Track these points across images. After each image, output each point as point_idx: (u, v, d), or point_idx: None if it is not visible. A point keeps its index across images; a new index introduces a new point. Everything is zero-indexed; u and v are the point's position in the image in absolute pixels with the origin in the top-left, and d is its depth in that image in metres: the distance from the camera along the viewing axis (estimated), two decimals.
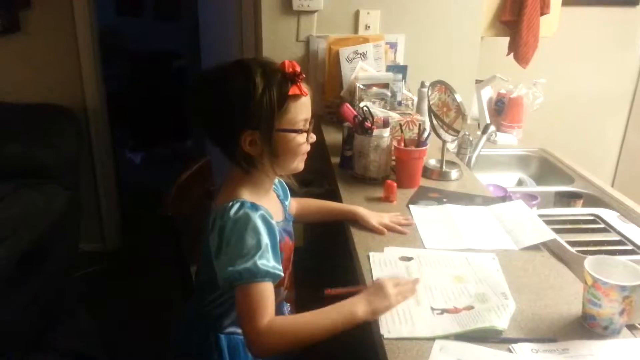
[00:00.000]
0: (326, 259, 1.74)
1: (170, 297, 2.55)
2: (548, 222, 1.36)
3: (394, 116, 1.79)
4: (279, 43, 2.24)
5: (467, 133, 1.97)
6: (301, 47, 2.26)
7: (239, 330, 1.16)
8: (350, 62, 2.18)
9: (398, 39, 2.28)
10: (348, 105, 1.82)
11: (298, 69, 1.09)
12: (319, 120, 2.25)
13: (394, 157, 1.67)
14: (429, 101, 1.76)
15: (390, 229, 1.36)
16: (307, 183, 2.02)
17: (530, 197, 1.70)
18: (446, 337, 0.96)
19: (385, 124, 1.66)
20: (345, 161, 1.77)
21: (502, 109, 2.40)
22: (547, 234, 1.30)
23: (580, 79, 2.91)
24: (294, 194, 1.40)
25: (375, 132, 1.62)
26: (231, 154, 1.12)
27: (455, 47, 2.33)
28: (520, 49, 2.40)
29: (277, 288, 1.09)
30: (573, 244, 1.31)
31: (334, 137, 2.02)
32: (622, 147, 3.12)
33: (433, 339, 0.96)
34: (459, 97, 1.64)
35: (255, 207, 1.08)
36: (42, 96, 2.82)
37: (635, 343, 0.96)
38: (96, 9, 2.93)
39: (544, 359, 0.91)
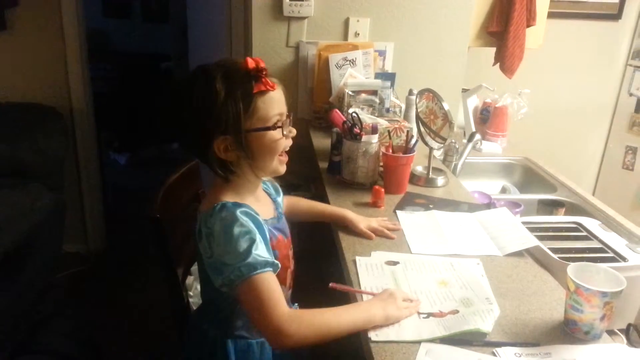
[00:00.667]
0: (313, 260, 1.74)
1: (155, 298, 2.57)
2: (531, 230, 1.39)
3: (383, 123, 1.81)
4: (268, 48, 2.25)
5: (453, 141, 2.00)
6: (291, 52, 2.28)
7: (247, 334, 1.17)
8: (340, 68, 2.20)
9: (387, 46, 2.31)
10: (337, 111, 1.83)
11: (262, 64, 1.05)
12: (307, 125, 2.26)
13: (381, 163, 1.69)
14: (416, 109, 1.79)
15: (379, 234, 1.37)
16: (294, 187, 2.02)
17: (514, 205, 1.73)
18: (432, 340, 0.98)
19: (374, 130, 1.67)
20: (333, 166, 1.78)
21: (487, 118, 2.44)
22: (531, 240, 1.32)
23: (563, 90, 2.97)
24: (285, 192, 1.39)
25: (364, 138, 1.64)
26: (208, 163, 1.10)
27: (443, 56, 2.37)
28: (506, 60, 2.45)
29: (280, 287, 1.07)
30: (556, 250, 1.34)
31: (322, 142, 2.04)
32: (604, 157, 3.19)
33: (419, 342, 0.97)
34: (446, 105, 1.66)
35: (237, 204, 1.07)
36: (28, 96, 2.80)
37: (615, 348, 0.98)
38: (84, 9, 2.91)
39: None
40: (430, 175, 1.75)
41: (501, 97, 2.38)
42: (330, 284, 1.15)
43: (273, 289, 1.00)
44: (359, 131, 1.66)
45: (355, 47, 2.23)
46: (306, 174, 2.05)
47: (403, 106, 2.10)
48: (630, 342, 1.07)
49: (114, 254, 3.26)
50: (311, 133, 2.17)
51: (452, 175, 1.91)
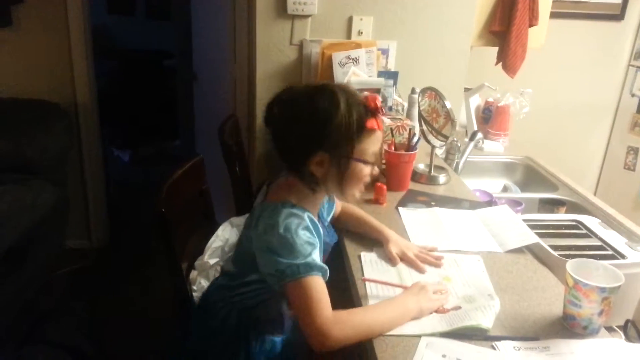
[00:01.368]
0: None
1: (158, 293, 2.58)
2: (532, 227, 1.40)
3: (385, 121, 1.82)
4: (272, 45, 2.27)
5: (455, 139, 2.01)
6: (295, 50, 2.29)
7: (268, 329, 1.20)
8: (343, 66, 2.21)
9: (390, 45, 2.32)
10: None
11: (380, 104, 1.12)
12: None
13: (384, 161, 1.70)
14: (419, 107, 1.80)
15: (409, 262, 1.27)
16: None
17: (515, 203, 1.74)
18: (433, 334, 0.99)
19: None
20: None
21: (489, 117, 2.45)
22: (531, 237, 1.34)
23: (565, 89, 2.98)
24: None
25: None
26: (298, 171, 1.13)
27: (445, 55, 2.38)
28: (508, 59, 2.46)
29: None
30: (556, 248, 1.35)
31: None
32: (605, 157, 3.20)
33: (420, 336, 0.99)
34: (448, 104, 1.68)
35: (303, 210, 1.11)
36: (33, 92, 2.81)
37: (613, 343, 1.00)
38: (89, 6, 2.93)
39: (526, 356, 0.94)
40: (432, 172, 1.77)
41: (503, 96, 2.39)
42: (362, 278, 1.18)
43: (322, 292, 1.03)
44: None
45: (358, 46, 2.24)
46: None
47: (405, 104, 2.12)
48: (629, 338, 1.09)
49: (117, 249, 3.28)
50: None
51: (454, 173, 1.92)
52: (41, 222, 2.41)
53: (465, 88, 2.44)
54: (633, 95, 2.99)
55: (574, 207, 1.86)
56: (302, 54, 2.29)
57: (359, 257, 1.27)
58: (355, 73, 2.18)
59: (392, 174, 1.68)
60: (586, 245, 1.43)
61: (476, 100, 2.47)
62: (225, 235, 1.61)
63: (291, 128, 1.11)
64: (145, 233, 3.27)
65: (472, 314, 1.04)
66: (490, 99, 2.46)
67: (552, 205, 1.84)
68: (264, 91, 2.26)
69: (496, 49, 2.52)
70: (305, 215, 1.09)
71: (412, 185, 1.71)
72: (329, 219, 1.34)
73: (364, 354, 1.00)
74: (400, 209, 1.54)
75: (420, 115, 1.79)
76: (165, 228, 1.33)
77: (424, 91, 1.78)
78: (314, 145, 1.09)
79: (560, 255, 1.30)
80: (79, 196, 3.10)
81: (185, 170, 1.52)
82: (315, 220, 1.13)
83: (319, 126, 1.07)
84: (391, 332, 1.00)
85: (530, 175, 2.23)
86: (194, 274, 1.56)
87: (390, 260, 1.27)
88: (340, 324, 1.00)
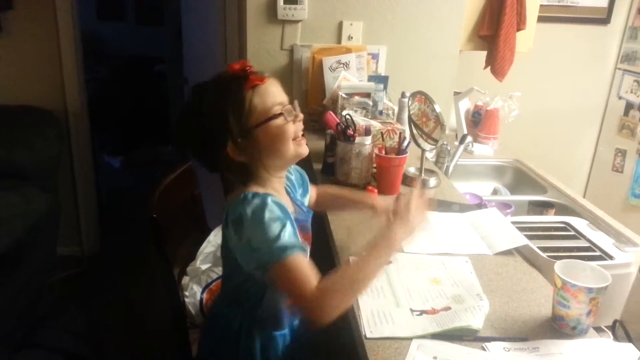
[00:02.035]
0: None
1: (150, 299, 2.57)
2: (521, 229, 1.42)
3: (376, 125, 1.84)
4: (263, 51, 2.28)
5: (445, 143, 2.03)
6: (285, 55, 2.30)
7: (272, 325, 1.20)
8: (333, 71, 2.23)
9: (380, 50, 2.34)
10: (331, 113, 1.86)
11: (246, 63, 1.10)
12: None
13: (375, 164, 1.72)
14: (409, 111, 1.82)
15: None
16: None
17: (504, 206, 1.76)
18: (424, 336, 1.00)
19: (367, 132, 1.70)
20: (327, 167, 1.81)
21: (478, 121, 2.47)
22: (520, 239, 1.35)
23: (554, 93, 3.01)
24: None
25: (357, 139, 1.67)
26: (229, 171, 1.14)
27: (434, 59, 2.40)
28: (497, 63, 2.49)
29: None
30: (544, 249, 1.37)
31: (316, 143, 2.05)
32: (594, 159, 3.24)
33: (411, 338, 1.00)
34: (438, 108, 1.69)
35: (266, 194, 1.09)
36: (23, 98, 2.80)
37: (601, 342, 1.01)
38: (79, 11, 2.92)
39: (516, 357, 0.95)
40: (423, 176, 1.78)
41: (492, 100, 2.41)
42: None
43: (304, 267, 1.01)
44: (352, 133, 1.68)
45: (348, 50, 2.26)
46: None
47: (396, 108, 2.13)
48: (617, 338, 1.10)
49: (109, 256, 3.27)
50: (305, 135, 2.18)
51: (444, 176, 1.94)
52: (33, 229, 2.40)
53: (454, 92, 2.46)
54: (620, 97, 3.03)
55: (563, 209, 1.88)
56: (293, 59, 2.30)
57: (348, 261, 1.27)
58: (346, 77, 2.19)
59: (382, 177, 1.69)
60: (574, 247, 1.45)
61: (465, 104, 2.49)
62: (217, 240, 1.62)
63: (194, 141, 1.13)
64: (137, 239, 3.26)
65: (462, 314, 1.05)
66: (480, 103, 2.49)
67: (541, 207, 1.86)
68: None
69: (485, 53, 2.55)
70: (268, 199, 1.07)
71: (402, 189, 1.72)
72: (305, 201, 1.34)
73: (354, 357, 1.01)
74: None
75: (410, 119, 1.81)
76: (158, 234, 1.33)
77: (413, 95, 1.80)
78: (220, 141, 1.08)
79: (548, 256, 1.32)
80: (69, 203, 3.08)
81: (177, 176, 1.52)
82: (281, 201, 1.10)
83: (209, 125, 1.08)
84: (383, 335, 1.00)
85: (520, 178, 2.25)
86: (186, 279, 1.56)
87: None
88: (327, 291, 0.99)
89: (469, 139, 2.19)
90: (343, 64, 2.24)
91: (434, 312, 1.08)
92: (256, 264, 1.05)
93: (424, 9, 2.32)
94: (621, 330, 1.11)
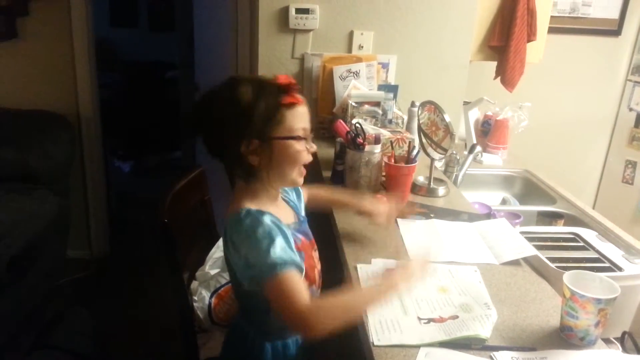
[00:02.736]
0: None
1: (158, 304, 2.58)
2: (530, 239, 1.42)
3: (385, 133, 1.85)
4: (274, 59, 2.30)
5: (454, 152, 2.03)
6: (296, 63, 2.32)
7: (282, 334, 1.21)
8: (344, 80, 2.24)
9: (390, 59, 2.36)
10: (341, 121, 1.87)
11: (293, 81, 1.13)
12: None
13: (384, 173, 1.72)
14: (418, 120, 1.83)
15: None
16: None
17: (513, 216, 1.76)
18: (432, 344, 1.01)
19: (377, 140, 1.71)
20: (336, 175, 1.82)
21: (488, 131, 2.48)
22: (529, 249, 1.35)
23: (564, 104, 3.01)
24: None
25: (367, 148, 1.68)
26: (231, 163, 1.16)
27: (445, 69, 2.41)
28: (507, 73, 2.49)
29: (309, 287, 1.12)
30: (553, 260, 1.36)
31: (325, 151, 2.07)
32: (604, 170, 3.22)
33: (419, 346, 1.00)
34: (447, 117, 1.70)
35: (260, 212, 1.11)
36: (37, 103, 2.84)
37: (609, 354, 1.01)
38: (93, 18, 2.97)
39: None
40: (432, 185, 1.78)
41: (502, 110, 2.41)
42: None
43: (296, 283, 1.03)
44: (362, 141, 1.69)
45: (359, 60, 2.28)
46: (310, 183, 2.08)
47: (405, 117, 2.14)
48: (625, 349, 1.10)
49: (117, 259, 3.29)
50: (315, 142, 2.20)
51: (453, 185, 1.94)
52: (44, 232, 2.43)
53: (464, 102, 2.47)
54: (631, 109, 3.02)
55: (572, 220, 1.87)
56: (304, 68, 2.32)
57: (356, 268, 1.28)
58: (356, 86, 2.21)
59: (391, 185, 1.69)
60: (583, 258, 1.45)
61: (475, 114, 2.50)
62: None
63: (210, 124, 1.14)
64: (146, 243, 3.28)
65: (469, 323, 1.05)
66: (489, 113, 2.49)
67: (550, 218, 1.86)
68: None
69: (495, 63, 2.56)
70: (262, 217, 1.09)
71: (411, 197, 1.73)
72: (302, 212, 1.35)
73: None
74: (399, 220, 1.55)
75: (419, 129, 1.82)
76: (168, 238, 1.34)
77: (423, 105, 1.81)
78: (235, 135, 1.10)
79: (557, 267, 1.32)
80: (80, 206, 3.12)
81: (187, 181, 1.54)
82: (275, 217, 1.12)
83: (238, 113, 1.09)
84: (391, 342, 1.01)
85: (529, 188, 2.25)
86: (194, 284, 1.57)
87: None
88: (319, 314, 1.00)
89: (478, 148, 2.20)
90: (353, 72, 2.25)
91: (441, 320, 1.09)
92: (250, 281, 1.08)
93: (434, 19, 2.33)
94: (630, 342, 1.10)
